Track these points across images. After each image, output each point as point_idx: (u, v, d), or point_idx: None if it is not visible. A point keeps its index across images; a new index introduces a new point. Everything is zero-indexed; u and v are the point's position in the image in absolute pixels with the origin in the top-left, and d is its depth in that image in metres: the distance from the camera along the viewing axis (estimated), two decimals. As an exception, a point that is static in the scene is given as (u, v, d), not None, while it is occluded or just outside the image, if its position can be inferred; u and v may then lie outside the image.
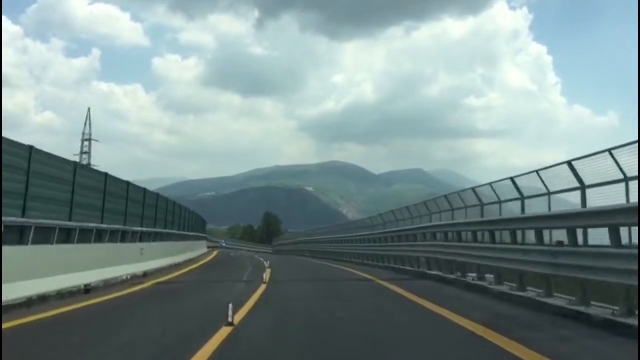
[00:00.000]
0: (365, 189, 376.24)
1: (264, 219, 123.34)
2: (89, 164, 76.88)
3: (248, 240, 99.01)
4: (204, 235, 38.53)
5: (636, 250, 6.25)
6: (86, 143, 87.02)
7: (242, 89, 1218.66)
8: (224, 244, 54.95)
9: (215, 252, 36.54)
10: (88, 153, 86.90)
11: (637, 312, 6.33)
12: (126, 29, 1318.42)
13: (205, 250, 34.94)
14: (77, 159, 75.05)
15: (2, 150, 7.48)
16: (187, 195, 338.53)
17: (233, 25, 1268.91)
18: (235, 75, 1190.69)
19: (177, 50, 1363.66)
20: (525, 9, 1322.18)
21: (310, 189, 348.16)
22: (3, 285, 6.73)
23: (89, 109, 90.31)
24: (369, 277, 14.60)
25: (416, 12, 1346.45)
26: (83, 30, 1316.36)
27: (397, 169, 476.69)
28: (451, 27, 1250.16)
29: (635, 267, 6.02)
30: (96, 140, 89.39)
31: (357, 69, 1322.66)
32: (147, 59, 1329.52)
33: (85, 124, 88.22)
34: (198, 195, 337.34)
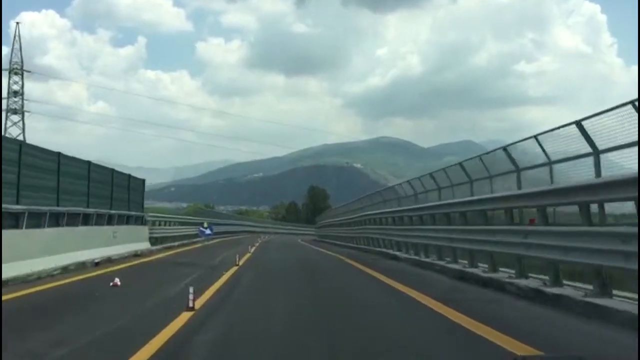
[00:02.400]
0: (414, 163, 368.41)
1: (309, 195, 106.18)
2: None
3: (292, 220, 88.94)
4: (136, 214, 19.88)
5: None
6: (16, 82, 68.07)
7: (286, 68, 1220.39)
8: (207, 232, 27.87)
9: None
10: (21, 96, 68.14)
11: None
12: (169, 15, 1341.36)
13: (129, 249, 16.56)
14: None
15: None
16: (236, 178, 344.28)
17: (275, 4, 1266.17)
18: (279, 55, 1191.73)
19: (220, 34, 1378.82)
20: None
21: (359, 165, 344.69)
22: None
23: (17, 24, 74.02)
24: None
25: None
26: (128, 19, 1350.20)
27: (446, 141, 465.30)
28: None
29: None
30: (29, 72, 71.57)
31: (402, 41, 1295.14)
32: (191, 44, 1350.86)
33: (12, 47, 69.53)
34: (247, 178, 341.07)
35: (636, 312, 5.31)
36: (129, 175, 20.29)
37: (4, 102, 63.79)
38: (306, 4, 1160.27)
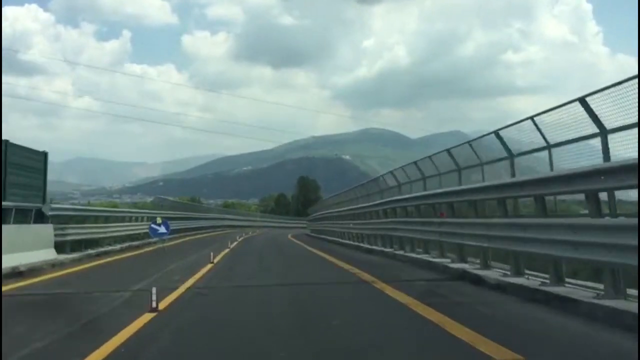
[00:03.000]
0: (403, 154, 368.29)
1: (298, 185, 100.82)
2: None
3: (282, 213, 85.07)
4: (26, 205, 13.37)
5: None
6: None
7: (274, 61, 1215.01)
8: (160, 230, 19.86)
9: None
10: None
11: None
12: (154, 7, 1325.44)
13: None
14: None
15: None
16: (225, 172, 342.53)
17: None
18: (266, 47, 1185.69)
19: (206, 26, 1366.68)
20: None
21: (348, 157, 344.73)
22: None
23: None
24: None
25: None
26: (112, 12, 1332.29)
27: (434, 132, 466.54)
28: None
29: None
30: None
31: (389, 32, 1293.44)
32: (177, 37, 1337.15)
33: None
34: (236, 171, 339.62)
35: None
36: (20, 148, 13.27)
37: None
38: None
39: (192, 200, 68.83)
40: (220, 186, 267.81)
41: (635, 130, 5.38)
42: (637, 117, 5.27)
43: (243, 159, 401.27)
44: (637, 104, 5.19)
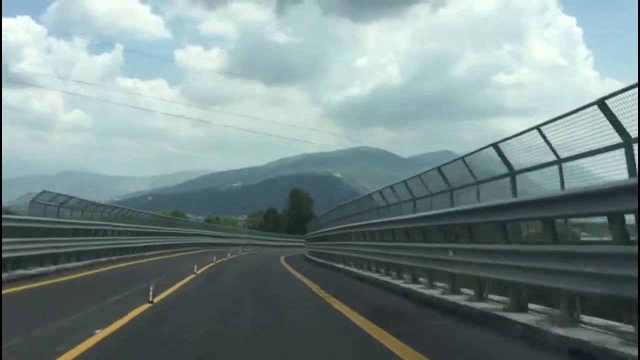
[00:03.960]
0: (394, 173, 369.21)
1: (290, 199, 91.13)
2: None
3: (272, 230, 76.08)
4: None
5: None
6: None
7: (267, 77, 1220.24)
8: None
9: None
10: None
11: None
12: (147, 22, 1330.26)
13: None
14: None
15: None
16: (215, 187, 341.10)
17: (254, 13, 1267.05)
18: (259, 64, 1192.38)
19: (199, 42, 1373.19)
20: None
21: (339, 175, 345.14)
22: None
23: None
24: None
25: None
26: (105, 26, 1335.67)
27: (425, 151, 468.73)
28: (478, 1, 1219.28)
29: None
30: None
31: (382, 51, 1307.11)
32: (169, 52, 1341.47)
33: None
34: (226, 187, 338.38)
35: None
36: None
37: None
38: (286, 12, 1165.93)
39: (175, 215, 63.25)
40: (209, 202, 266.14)
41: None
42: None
43: (233, 175, 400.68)
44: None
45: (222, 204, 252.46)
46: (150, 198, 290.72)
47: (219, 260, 22.20)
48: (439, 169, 10.25)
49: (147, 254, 26.00)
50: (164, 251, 29.88)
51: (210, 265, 19.40)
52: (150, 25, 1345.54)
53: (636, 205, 4.32)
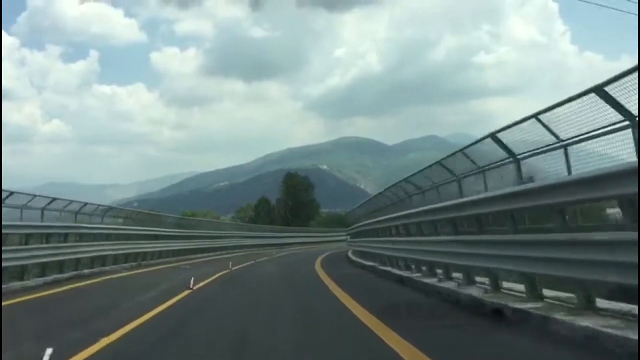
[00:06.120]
0: (380, 161, 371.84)
1: (285, 186, 74.23)
2: None
3: (266, 224, 57.65)
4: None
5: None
6: None
7: (245, 74, 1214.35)
8: None
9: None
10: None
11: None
12: (121, 26, 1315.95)
13: None
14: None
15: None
16: (201, 188, 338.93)
17: (229, 9, 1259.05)
18: (237, 61, 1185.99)
19: (175, 43, 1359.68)
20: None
21: (325, 167, 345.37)
22: None
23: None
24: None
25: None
26: (77, 33, 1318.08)
27: (410, 137, 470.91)
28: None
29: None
30: None
31: (360, 40, 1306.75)
32: (145, 55, 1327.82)
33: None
34: (213, 187, 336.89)
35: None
36: None
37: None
38: (261, 7, 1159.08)
39: (150, 213, 48.63)
40: (197, 203, 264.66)
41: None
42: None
43: (219, 174, 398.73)
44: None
45: (210, 204, 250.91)
46: (136, 204, 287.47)
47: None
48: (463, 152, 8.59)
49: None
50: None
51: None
52: (124, 29, 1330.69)
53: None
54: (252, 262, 22.17)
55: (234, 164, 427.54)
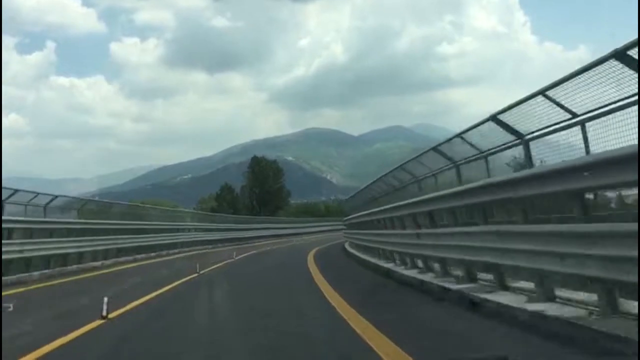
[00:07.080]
0: (346, 152, 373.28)
1: (252, 171, 66.95)
2: None
3: (230, 213, 51.60)
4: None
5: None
6: None
7: (209, 65, 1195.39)
8: None
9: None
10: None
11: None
12: (79, 15, 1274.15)
13: None
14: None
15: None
16: (164, 182, 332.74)
17: None
18: (200, 51, 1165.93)
19: (135, 33, 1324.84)
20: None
21: (291, 158, 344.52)
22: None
23: None
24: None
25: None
26: (34, 23, 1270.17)
27: (375, 128, 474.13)
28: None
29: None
30: None
31: (324, 30, 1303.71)
32: (105, 46, 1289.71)
33: None
34: (175, 180, 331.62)
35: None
36: None
37: None
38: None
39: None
40: (159, 197, 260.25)
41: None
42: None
43: (182, 167, 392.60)
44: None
45: (173, 198, 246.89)
46: (97, 198, 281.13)
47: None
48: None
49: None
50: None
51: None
52: (82, 18, 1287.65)
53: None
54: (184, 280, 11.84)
55: (197, 157, 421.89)
